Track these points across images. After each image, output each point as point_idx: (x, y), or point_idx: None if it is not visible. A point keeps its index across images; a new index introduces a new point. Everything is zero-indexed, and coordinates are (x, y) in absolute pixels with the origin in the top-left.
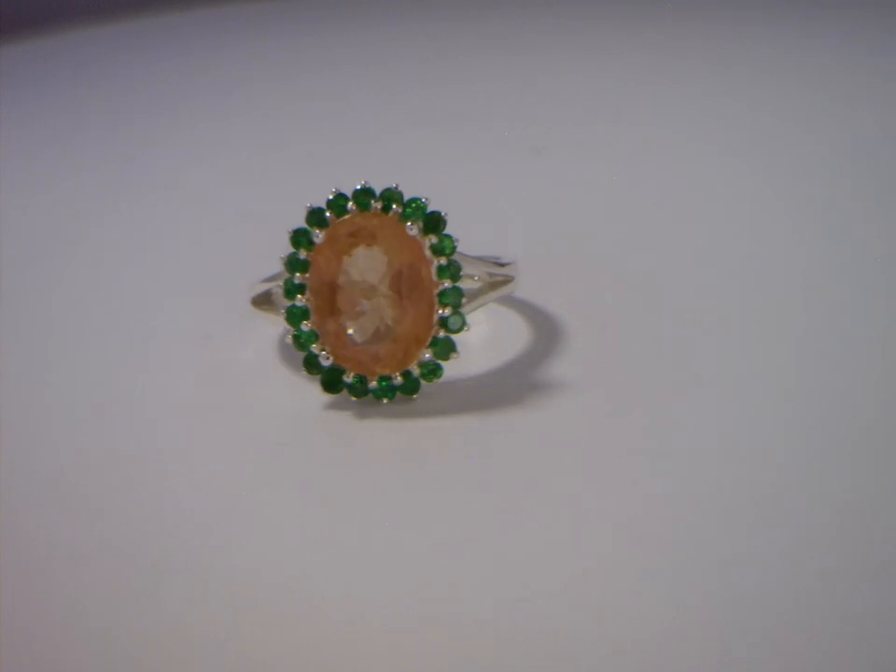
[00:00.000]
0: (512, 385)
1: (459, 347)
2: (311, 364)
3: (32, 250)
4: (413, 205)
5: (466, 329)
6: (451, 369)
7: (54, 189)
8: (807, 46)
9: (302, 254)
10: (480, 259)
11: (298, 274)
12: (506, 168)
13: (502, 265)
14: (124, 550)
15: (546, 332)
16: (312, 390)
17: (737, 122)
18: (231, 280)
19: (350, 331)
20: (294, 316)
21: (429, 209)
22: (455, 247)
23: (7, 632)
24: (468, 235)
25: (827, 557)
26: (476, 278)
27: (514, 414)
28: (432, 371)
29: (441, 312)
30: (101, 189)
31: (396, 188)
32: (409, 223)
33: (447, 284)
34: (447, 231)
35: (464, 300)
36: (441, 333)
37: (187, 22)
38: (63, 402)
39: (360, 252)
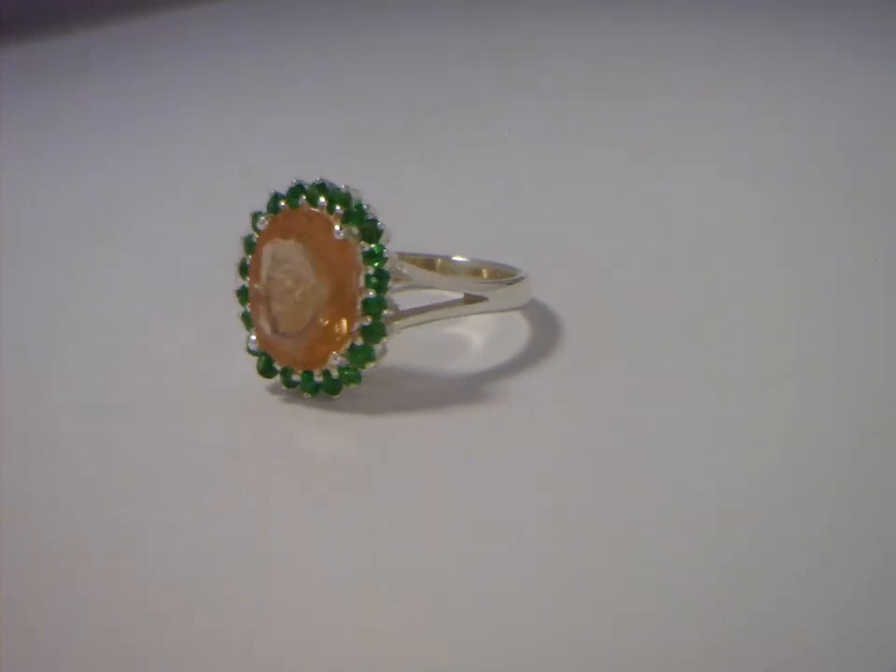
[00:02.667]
0: (508, 384)
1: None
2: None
3: (33, 249)
4: (355, 209)
5: (385, 340)
6: (448, 366)
7: (53, 189)
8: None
9: (255, 237)
10: (495, 266)
11: (251, 256)
12: (506, 168)
13: (510, 283)
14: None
15: (546, 332)
16: None
17: (734, 126)
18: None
19: (265, 323)
20: (242, 296)
21: (370, 217)
22: (385, 258)
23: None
24: (465, 235)
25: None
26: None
27: (509, 414)
28: (350, 377)
29: (361, 321)
30: (101, 190)
31: (344, 189)
32: (337, 227)
33: (371, 293)
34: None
35: (387, 311)
36: (360, 341)
37: (187, 21)
38: (56, 401)
39: (289, 246)
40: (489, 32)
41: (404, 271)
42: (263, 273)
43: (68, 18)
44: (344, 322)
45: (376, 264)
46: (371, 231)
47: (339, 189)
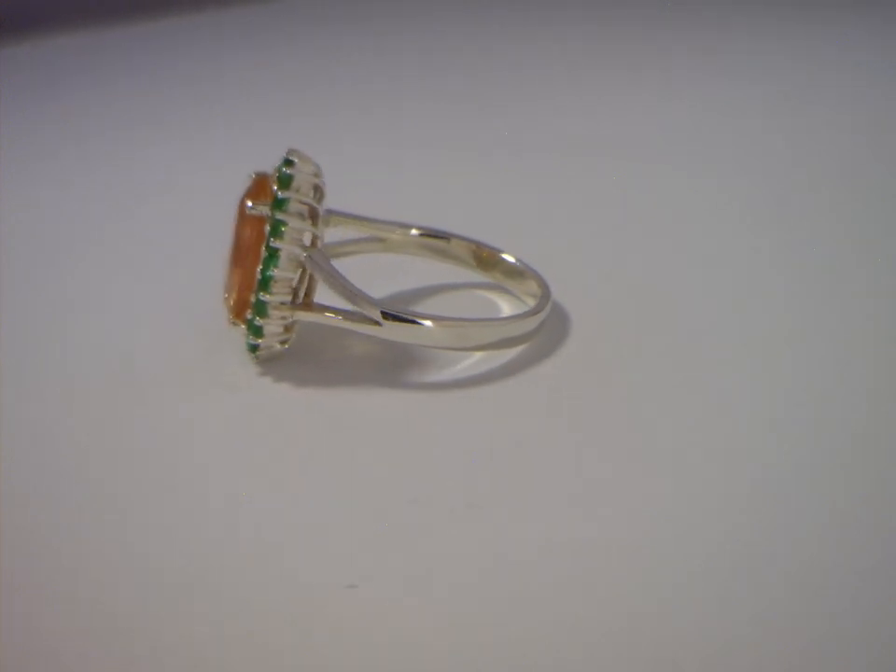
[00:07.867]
0: (508, 382)
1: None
2: None
3: (32, 252)
4: (281, 195)
5: (265, 320)
6: (446, 363)
7: (52, 189)
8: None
9: None
10: (531, 273)
11: None
12: (504, 167)
13: (524, 316)
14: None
15: (546, 332)
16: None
17: (733, 128)
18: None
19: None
20: None
21: (285, 206)
22: (275, 248)
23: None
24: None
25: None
26: None
27: (508, 412)
28: (251, 346)
29: (253, 297)
30: (102, 193)
31: (288, 172)
32: (249, 203)
33: (259, 274)
34: None
35: (272, 297)
36: (251, 315)
37: (187, 26)
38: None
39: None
40: (495, 31)
41: (309, 261)
42: (232, 228)
43: (68, 18)
44: (240, 295)
45: (267, 250)
46: (273, 220)
47: (284, 172)
